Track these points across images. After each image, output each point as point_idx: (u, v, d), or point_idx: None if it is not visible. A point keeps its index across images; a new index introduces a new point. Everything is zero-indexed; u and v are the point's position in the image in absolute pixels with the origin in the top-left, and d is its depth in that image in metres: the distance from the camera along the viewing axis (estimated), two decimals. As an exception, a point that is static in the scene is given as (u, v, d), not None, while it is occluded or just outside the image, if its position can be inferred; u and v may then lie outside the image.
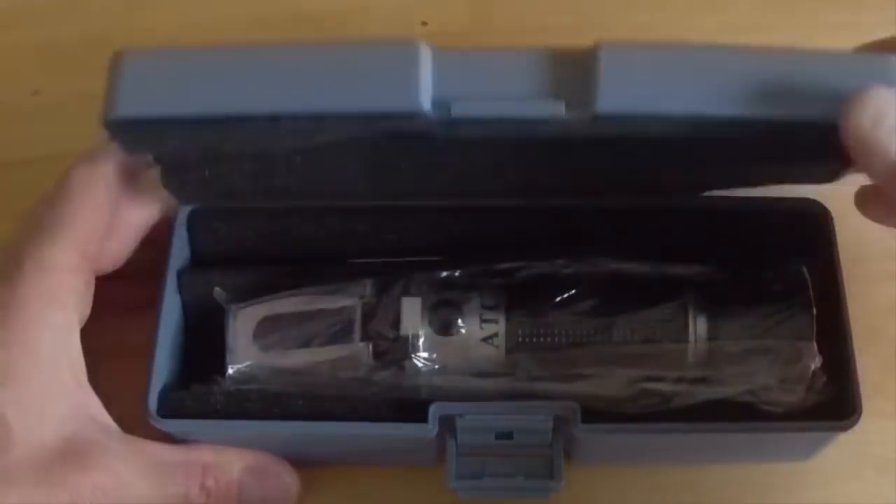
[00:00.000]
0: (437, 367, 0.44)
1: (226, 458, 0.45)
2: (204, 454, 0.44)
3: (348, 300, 0.45)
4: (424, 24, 0.59)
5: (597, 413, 0.43)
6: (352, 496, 0.48)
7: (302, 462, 0.47)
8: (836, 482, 0.48)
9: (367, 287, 0.46)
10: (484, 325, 0.44)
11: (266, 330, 0.46)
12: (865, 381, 0.45)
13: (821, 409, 0.44)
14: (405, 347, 0.44)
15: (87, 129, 0.48)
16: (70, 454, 0.41)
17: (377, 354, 0.44)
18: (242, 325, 0.46)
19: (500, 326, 0.44)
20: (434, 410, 0.43)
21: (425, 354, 0.44)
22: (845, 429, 0.43)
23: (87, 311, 0.45)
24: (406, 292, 0.45)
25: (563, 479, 0.44)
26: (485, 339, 0.44)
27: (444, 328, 0.44)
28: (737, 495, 0.48)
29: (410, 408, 0.44)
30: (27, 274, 0.42)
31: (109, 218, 0.45)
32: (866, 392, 0.45)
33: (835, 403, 0.44)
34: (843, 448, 0.47)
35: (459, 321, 0.44)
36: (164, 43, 0.58)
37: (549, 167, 0.43)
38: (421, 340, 0.44)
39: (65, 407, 0.42)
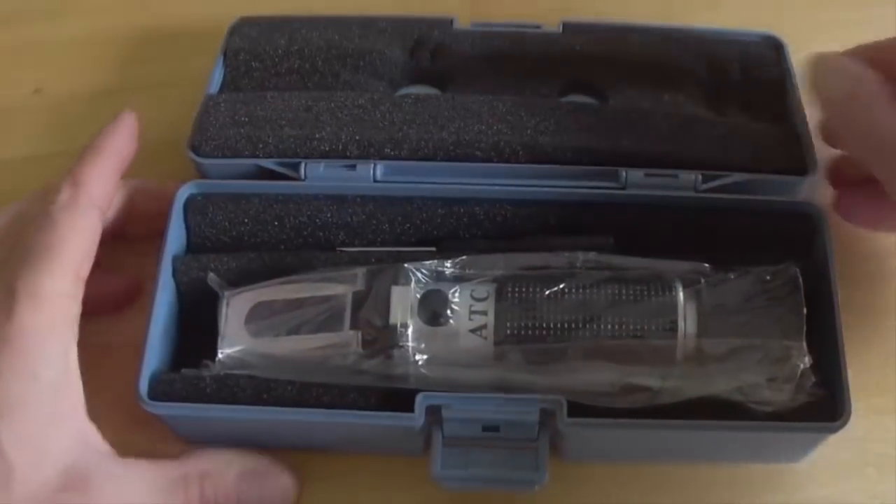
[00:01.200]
0: (425, 357, 0.44)
1: (222, 463, 0.45)
2: (201, 463, 0.45)
3: (339, 288, 0.46)
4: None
5: (584, 408, 0.43)
6: (337, 484, 0.47)
7: (289, 447, 0.47)
8: (837, 480, 0.47)
9: (359, 276, 0.46)
10: (473, 317, 0.44)
11: (258, 316, 0.46)
12: (866, 380, 0.45)
13: (811, 411, 0.43)
14: (394, 337, 0.44)
15: (87, 127, 0.49)
16: (70, 483, 0.41)
17: (366, 343, 0.44)
18: (235, 310, 0.46)
19: (488, 318, 0.44)
20: (421, 400, 0.43)
21: (414, 344, 0.44)
22: (833, 430, 0.43)
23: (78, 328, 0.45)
24: (396, 282, 0.45)
25: (548, 472, 0.43)
26: (473, 331, 0.44)
27: (433, 318, 0.44)
28: (736, 493, 0.47)
29: (399, 397, 0.44)
30: (23, 304, 0.41)
31: (98, 238, 0.45)
32: (867, 391, 0.45)
33: (825, 405, 0.43)
34: (843, 446, 0.47)
35: (448, 312, 0.44)
36: (167, 42, 0.61)
37: None
38: (410, 330, 0.44)
39: (64, 438, 0.42)
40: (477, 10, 0.62)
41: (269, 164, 0.50)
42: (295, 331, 0.45)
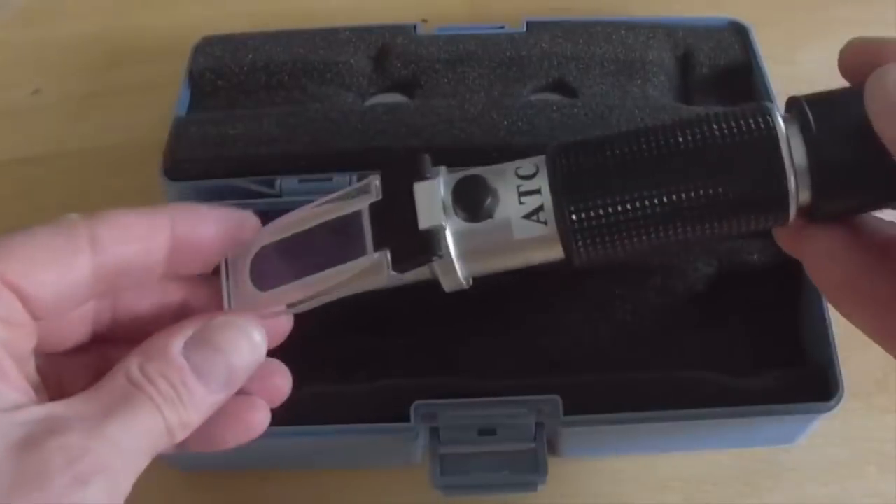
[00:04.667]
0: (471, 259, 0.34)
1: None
2: None
3: (352, 205, 0.36)
4: (425, 21, 0.60)
5: (579, 405, 0.43)
6: (337, 499, 0.47)
7: (289, 468, 0.47)
8: (838, 478, 0.47)
9: (373, 185, 0.36)
10: (524, 199, 0.34)
11: (262, 267, 0.36)
12: (868, 379, 0.45)
13: (803, 393, 0.44)
14: (429, 245, 0.34)
15: (86, 127, 0.48)
16: None
17: (397, 261, 0.34)
18: (235, 270, 0.36)
19: (543, 196, 0.34)
20: (415, 408, 0.43)
21: (455, 248, 0.34)
22: (825, 410, 0.43)
23: None
24: (418, 177, 0.35)
25: (548, 471, 0.43)
26: (528, 217, 0.34)
27: (474, 212, 0.34)
28: (736, 490, 0.47)
29: (394, 405, 0.44)
30: None
31: None
32: (868, 389, 0.45)
33: (816, 385, 0.44)
34: (844, 445, 0.47)
35: (490, 199, 0.34)
36: (162, 42, 0.61)
37: None
38: (448, 232, 0.34)
39: None
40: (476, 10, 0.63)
41: (243, 182, 0.50)
42: (310, 270, 0.35)
